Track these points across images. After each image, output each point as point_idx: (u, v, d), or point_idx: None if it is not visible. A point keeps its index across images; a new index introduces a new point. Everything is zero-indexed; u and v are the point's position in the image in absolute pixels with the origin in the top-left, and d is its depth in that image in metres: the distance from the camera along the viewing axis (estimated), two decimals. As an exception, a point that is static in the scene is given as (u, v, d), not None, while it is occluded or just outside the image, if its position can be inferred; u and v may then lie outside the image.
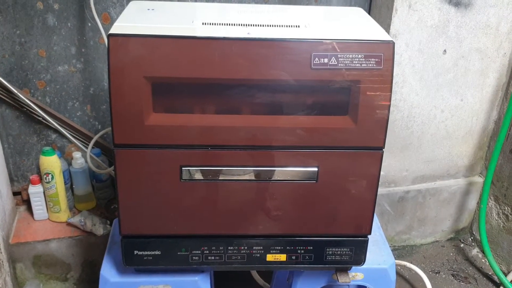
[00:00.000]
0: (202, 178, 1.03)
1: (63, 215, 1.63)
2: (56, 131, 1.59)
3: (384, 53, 0.96)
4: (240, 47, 0.94)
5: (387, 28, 1.57)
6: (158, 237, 1.09)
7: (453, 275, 1.87)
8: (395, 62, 1.59)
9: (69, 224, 1.62)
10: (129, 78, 0.94)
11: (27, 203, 1.65)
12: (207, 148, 1.00)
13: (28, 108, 1.53)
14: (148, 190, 1.04)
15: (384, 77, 0.97)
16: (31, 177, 1.59)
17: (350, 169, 1.04)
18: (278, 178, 1.04)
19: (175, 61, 0.94)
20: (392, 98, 1.66)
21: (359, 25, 1.08)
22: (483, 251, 1.89)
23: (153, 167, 1.01)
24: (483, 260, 1.94)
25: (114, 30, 0.94)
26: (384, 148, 1.02)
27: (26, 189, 1.62)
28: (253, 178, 1.03)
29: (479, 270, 1.90)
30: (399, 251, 1.98)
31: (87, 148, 1.55)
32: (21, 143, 1.60)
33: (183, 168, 1.01)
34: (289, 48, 0.95)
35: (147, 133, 0.98)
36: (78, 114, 1.61)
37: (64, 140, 1.63)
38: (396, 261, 1.82)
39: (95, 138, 1.54)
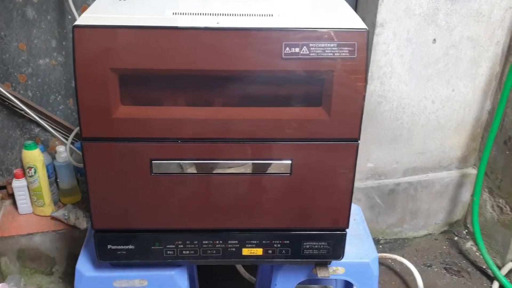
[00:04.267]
0: (172, 171, 1.00)
1: (47, 209, 1.62)
2: (39, 124, 1.57)
3: (358, 41, 0.93)
4: (209, 37, 0.91)
5: (373, 17, 1.54)
6: (131, 231, 1.07)
7: (445, 268, 1.84)
8: (382, 52, 1.58)
9: (53, 218, 1.61)
10: (95, 70, 0.92)
11: (12, 197, 1.64)
12: (177, 141, 0.98)
13: (10, 102, 1.51)
14: (119, 184, 1.02)
15: (358, 67, 0.94)
16: (14, 171, 1.57)
17: (325, 161, 1.01)
18: (251, 171, 1.01)
19: (142, 52, 0.91)
20: (380, 89, 1.64)
21: (335, 13, 1.05)
22: (477, 244, 1.86)
23: (122, 160, 0.99)
24: (477, 254, 1.91)
25: (80, 21, 0.92)
26: (359, 140, 0.99)
27: (11, 183, 1.61)
28: (225, 171, 1.01)
29: (473, 263, 1.87)
30: (391, 244, 1.95)
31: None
32: (4, 137, 1.59)
33: (153, 161, 0.99)
34: (259, 37, 0.92)
35: (115, 126, 0.96)
36: (60, 107, 1.59)
37: (47, 133, 1.62)
38: (386, 254, 1.80)
39: (75, 131, 1.52)
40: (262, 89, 0.97)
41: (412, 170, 1.85)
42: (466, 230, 2.02)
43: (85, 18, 0.93)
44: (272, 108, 0.98)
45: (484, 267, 1.84)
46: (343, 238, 1.09)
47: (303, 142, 1.00)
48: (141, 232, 1.07)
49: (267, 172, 1.01)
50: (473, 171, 1.93)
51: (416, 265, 1.76)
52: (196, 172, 1.01)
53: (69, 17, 1.47)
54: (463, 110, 1.79)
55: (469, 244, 1.96)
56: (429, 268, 1.84)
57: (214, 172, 1.01)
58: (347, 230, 1.09)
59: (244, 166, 1.01)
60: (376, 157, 1.78)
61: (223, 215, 1.06)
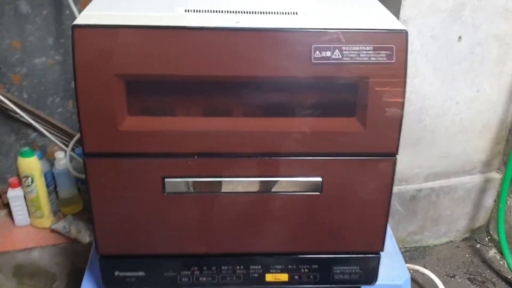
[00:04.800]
0: (188, 190, 0.89)
1: (46, 220, 1.50)
2: (36, 129, 1.46)
3: (396, 44, 0.81)
4: (227, 38, 0.80)
5: (396, 13, 1.42)
6: (141, 257, 0.96)
7: (469, 279, 1.74)
8: (406, 51, 1.46)
9: (52, 230, 1.49)
10: (99, 76, 0.80)
11: (8, 207, 1.53)
12: (193, 156, 0.86)
13: (3, 105, 1.40)
14: (127, 205, 0.90)
15: (396, 72, 0.83)
16: (10, 180, 1.46)
17: (358, 178, 0.90)
18: (276, 190, 0.90)
19: (151, 55, 0.80)
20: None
21: (367, 12, 0.93)
22: (501, 253, 1.75)
23: (131, 178, 0.88)
24: (501, 262, 1.80)
25: (79, 20, 0.80)
26: (397, 154, 0.88)
27: (6, 193, 1.49)
28: (247, 190, 0.90)
29: (497, 273, 1.76)
30: (411, 253, 1.84)
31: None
32: (-3, 143, 1.48)
33: (166, 179, 0.88)
34: (286, 39, 0.80)
35: (122, 140, 0.85)
36: (59, 110, 1.48)
37: (45, 138, 1.51)
38: (409, 265, 1.69)
39: (76, 138, 1.41)
40: (287, 97, 0.86)
41: (434, 175, 1.74)
42: (489, 237, 1.91)
43: (85, 16, 0.81)
44: (299, 118, 0.86)
45: (509, 277, 1.74)
46: (377, 261, 0.98)
47: (335, 158, 0.88)
48: (152, 258, 0.96)
49: (294, 190, 0.90)
50: (496, 175, 1.82)
51: (438, 276, 1.65)
52: (214, 191, 0.89)
53: (67, 12, 1.35)
54: (488, 111, 1.68)
55: (492, 252, 1.86)
56: (452, 279, 1.74)
57: (235, 191, 0.89)
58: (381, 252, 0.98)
59: (268, 184, 0.89)
60: (398, 162, 1.66)
61: (245, 238, 0.94)
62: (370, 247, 0.97)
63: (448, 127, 1.65)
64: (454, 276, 1.75)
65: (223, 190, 0.89)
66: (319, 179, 0.89)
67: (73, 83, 1.44)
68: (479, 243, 1.90)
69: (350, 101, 0.85)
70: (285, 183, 0.89)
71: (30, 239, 1.48)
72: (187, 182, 0.88)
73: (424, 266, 1.67)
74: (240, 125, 0.86)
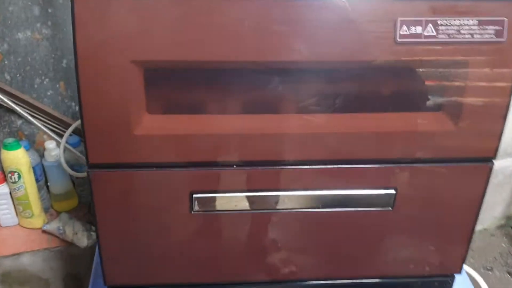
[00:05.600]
0: (223, 208, 0.69)
1: (37, 220, 1.30)
2: (21, 116, 1.24)
3: (509, 17, 0.60)
4: (279, 10, 0.58)
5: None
6: (158, 286, 0.77)
7: (509, 272, 1.57)
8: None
9: (45, 231, 1.29)
10: (109, 62, 0.59)
11: (-8, 205, 1.31)
12: (232, 166, 0.66)
13: (-19, 88, 1.17)
14: (143, 228, 0.70)
15: (506, 55, 0.62)
16: (-7, 175, 1.25)
17: (441, 190, 0.70)
18: (337, 207, 0.70)
19: (178, 35, 0.58)
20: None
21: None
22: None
23: (149, 195, 0.67)
24: (541, 253, 1.64)
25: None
26: (495, 158, 0.69)
27: (-11, 189, 1.28)
28: (300, 206, 0.70)
29: (538, 265, 1.60)
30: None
31: (62, 136, 1.20)
32: (-23, 132, 1.26)
33: (194, 195, 0.67)
34: (361, 11, 0.59)
35: (139, 146, 0.64)
36: (48, 93, 1.26)
37: (32, 126, 1.28)
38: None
39: (73, 127, 1.18)
40: (359, 87, 0.65)
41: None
42: (526, 224, 1.75)
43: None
44: (371, 114, 0.66)
45: (550, 269, 1.58)
46: (451, 284, 0.80)
47: (413, 165, 0.68)
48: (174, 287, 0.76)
49: (359, 207, 0.70)
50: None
51: (475, 269, 1.48)
52: (257, 209, 0.69)
53: (56, -24, 1.12)
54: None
55: (530, 240, 1.70)
56: (490, 273, 1.57)
57: (283, 208, 0.69)
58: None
59: (327, 200, 0.69)
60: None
61: (295, 264, 0.75)
62: (446, 268, 0.78)
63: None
64: (492, 269, 1.58)
65: (270, 207, 0.69)
66: (392, 191, 0.69)
67: (64, 61, 1.22)
68: (515, 230, 1.74)
69: (437, 91, 0.65)
70: (349, 198, 0.70)
71: (19, 242, 1.27)
72: (222, 198, 0.68)
73: (461, 260, 1.50)
74: (294, 125, 0.65)
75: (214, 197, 0.68)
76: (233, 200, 0.68)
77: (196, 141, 0.64)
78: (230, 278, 0.76)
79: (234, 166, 0.66)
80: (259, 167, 0.66)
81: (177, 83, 0.63)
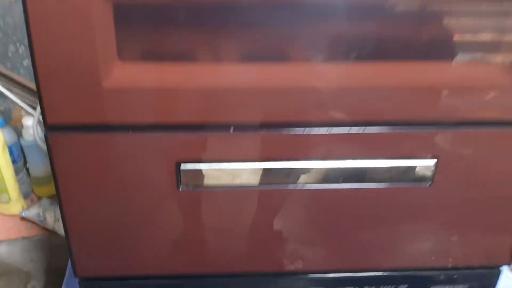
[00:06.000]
0: (218, 184, 0.55)
1: (15, 206, 1.17)
2: (-5, 88, 1.11)
3: None
4: None
5: None
6: (138, 279, 0.63)
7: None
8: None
9: (23, 218, 1.16)
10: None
11: (-35, 189, 1.19)
12: (228, 129, 0.52)
13: None
14: (118, 207, 0.56)
15: None
16: (-36, 156, 1.12)
17: (494, 160, 0.56)
18: (359, 182, 0.56)
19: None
20: None
21: None
22: None
23: (124, 166, 0.54)
24: None
25: None
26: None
27: (-39, 171, 1.16)
28: (314, 181, 0.56)
29: None
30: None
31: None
32: None
33: (182, 166, 0.54)
34: None
35: (108, 102, 0.50)
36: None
37: (8, 101, 1.15)
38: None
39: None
40: (393, 30, 0.51)
41: None
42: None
43: None
44: (402, 63, 0.52)
45: None
46: (496, 278, 0.66)
47: (457, 129, 0.54)
48: (158, 280, 0.63)
49: (388, 181, 0.56)
50: None
51: None
52: (261, 183, 0.55)
53: None
54: None
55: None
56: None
57: (292, 184, 0.56)
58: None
59: (347, 173, 0.55)
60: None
61: (309, 252, 0.61)
62: (494, 259, 0.64)
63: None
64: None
65: (277, 181, 0.55)
66: (432, 162, 0.55)
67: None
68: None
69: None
70: (375, 171, 0.56)
71: (-6, 230, 1.15)
72: (217, 171, 0.54)
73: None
74: (305, 77, 0.51)
75: (207, 170, 0.54)
76: (230, 173, 0.55)
77: (182, 96, 0.50)
78: (223, 269, 0.62)
79: (232, 129, 0.52)
80: (263, 131, 0.52)
81: (156, 22, 0.49)
